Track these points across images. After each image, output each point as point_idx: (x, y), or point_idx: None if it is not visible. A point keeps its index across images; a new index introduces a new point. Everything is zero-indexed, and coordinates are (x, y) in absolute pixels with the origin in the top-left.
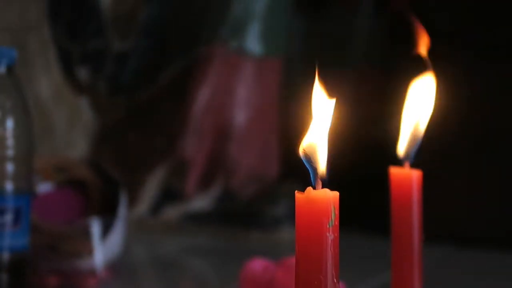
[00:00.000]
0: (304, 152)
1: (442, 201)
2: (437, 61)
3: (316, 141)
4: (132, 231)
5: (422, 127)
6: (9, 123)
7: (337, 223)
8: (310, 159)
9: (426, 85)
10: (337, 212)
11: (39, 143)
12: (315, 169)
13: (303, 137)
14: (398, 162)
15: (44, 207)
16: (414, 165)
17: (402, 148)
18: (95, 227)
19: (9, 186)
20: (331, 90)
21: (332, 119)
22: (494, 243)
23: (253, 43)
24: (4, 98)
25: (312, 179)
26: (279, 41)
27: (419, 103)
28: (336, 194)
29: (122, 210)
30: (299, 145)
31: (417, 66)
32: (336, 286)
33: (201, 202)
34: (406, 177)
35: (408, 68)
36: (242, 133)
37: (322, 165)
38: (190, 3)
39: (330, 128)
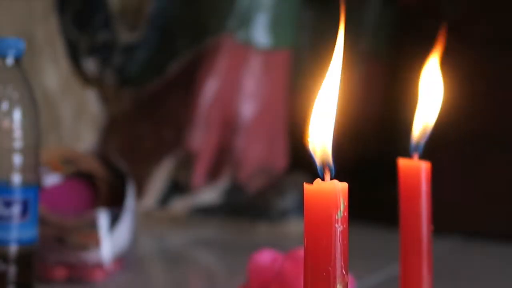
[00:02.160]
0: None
1: (450, 192)
2: (445, 53)
3: (323, 132)
4: (139, 223)
5: (432, 119)
6: (17, 115)
7: (346, 214)
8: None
9: (434, 76)
10: (346, 203)
11: (46, 135)
12: (323, 160)
13: (309, 128)
14: (407, 153)
15: (51, 199)
16: (423, 157)
17: (414, 138)
18: (103, 219)
19: (16, 178)
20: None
21: (340, 112)
22: (503, 235)
23: (261, 34)
24: (12, 90)
25: (319, 170)
26: (287, 33)
27: (429, 94)
28: (344, 185)
29: (129, 202)
30: (306, 137)
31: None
32: (345, 277)
33: (208, 195)
34: (414, 169)
35: (416, 60)
36: (249, 125)
37: (330, 157)
38: None
39: (339, 121)
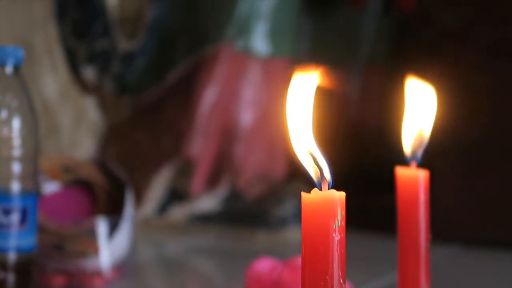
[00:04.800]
0: (309, 153)
1: (448, 200)
2: (445, 59)
3: (313, 142)
4: (138, 231)
5: (428, 127)
6: (16, 123)
7: (343, 223)
8: (315, 160)
9: (421, 85)
10: (343, 212)
11: (45, 142)
12: (320, 170)
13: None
14: (405, 161)
15: (50, 207)
16: (421, 165)
17: (407, 147)
18: (102, 227)
19: (15, 186)
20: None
21: (337, 120)
22: (501, 244)
23: (260, 42)
24: (11, 98)
25: (316, 183)
26: (286, 41)
27: (420, 103)
28: (342, 194)
29: (128, 210)
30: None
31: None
32: (342, 286)
33: (207, 202)
34: (412, 177)
35: (415, 67)
36: (248, 133)
37: (325, 166)
38: (196, 2)
39: (337, 128)
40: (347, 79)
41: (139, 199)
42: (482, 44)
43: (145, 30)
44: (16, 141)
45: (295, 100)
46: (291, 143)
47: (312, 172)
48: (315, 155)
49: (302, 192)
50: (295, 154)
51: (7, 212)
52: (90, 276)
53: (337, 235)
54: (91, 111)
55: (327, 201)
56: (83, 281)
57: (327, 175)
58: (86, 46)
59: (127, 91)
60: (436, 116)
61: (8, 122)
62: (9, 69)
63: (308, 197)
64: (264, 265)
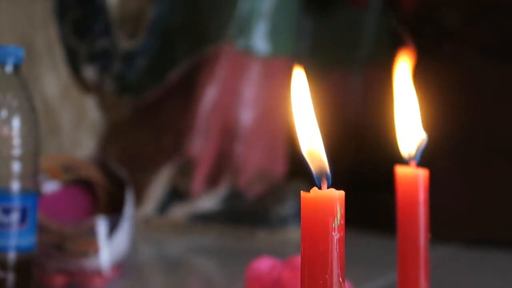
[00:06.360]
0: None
1: (448, 199)
2: (445, 59)
3: (316, 141)
4: (139, 230)
5: (426, 126)
6: (16, 123)
7: (342, 222)
8: (316, 158)
9: (404, 81)
10: (342, 211)
11: (46, 142)
12: (320, 168)
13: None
14: (405, 160)
15: (51, 206)
16: (420, 164)
17: (404, 147)
18: (102, 226)
19: (15, 185)
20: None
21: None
22: (501, 244)
23: (260, 42)
24: (11, 98)
25: (316, 179)
26: (286, 40)
27: (407, 101)
28: (341, 193)
29: (128, 210)
30: (299, 147)
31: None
32: (342, 285)
33: (207, 202)
34: (412, 176)
35: (415, 67)
36: (249, 132)
37: (326, 165)
38: (197, 2)
39: (337, 127)
40: (347, 79)
41: (139, 199)
42: (482, 44)
43: (146, 30)
44: (16, 141)
45: (298, 98)
46: (296, 141)
47: (313, 170)
48: (316, 153)
49: (301, 191)
50: (299, 152)
51: (7, 211)
52: (90, 275)
53: (336, 234)
54: (91, 110)
55: (326, 200)
56: (83, 281)
57: (327, 173)
58: (86, 45)
59: (127, 90)
60: (435, 116)
61: (8, 121)
62: (9, 68)
63: (308, 196)
64: (264, 264)
